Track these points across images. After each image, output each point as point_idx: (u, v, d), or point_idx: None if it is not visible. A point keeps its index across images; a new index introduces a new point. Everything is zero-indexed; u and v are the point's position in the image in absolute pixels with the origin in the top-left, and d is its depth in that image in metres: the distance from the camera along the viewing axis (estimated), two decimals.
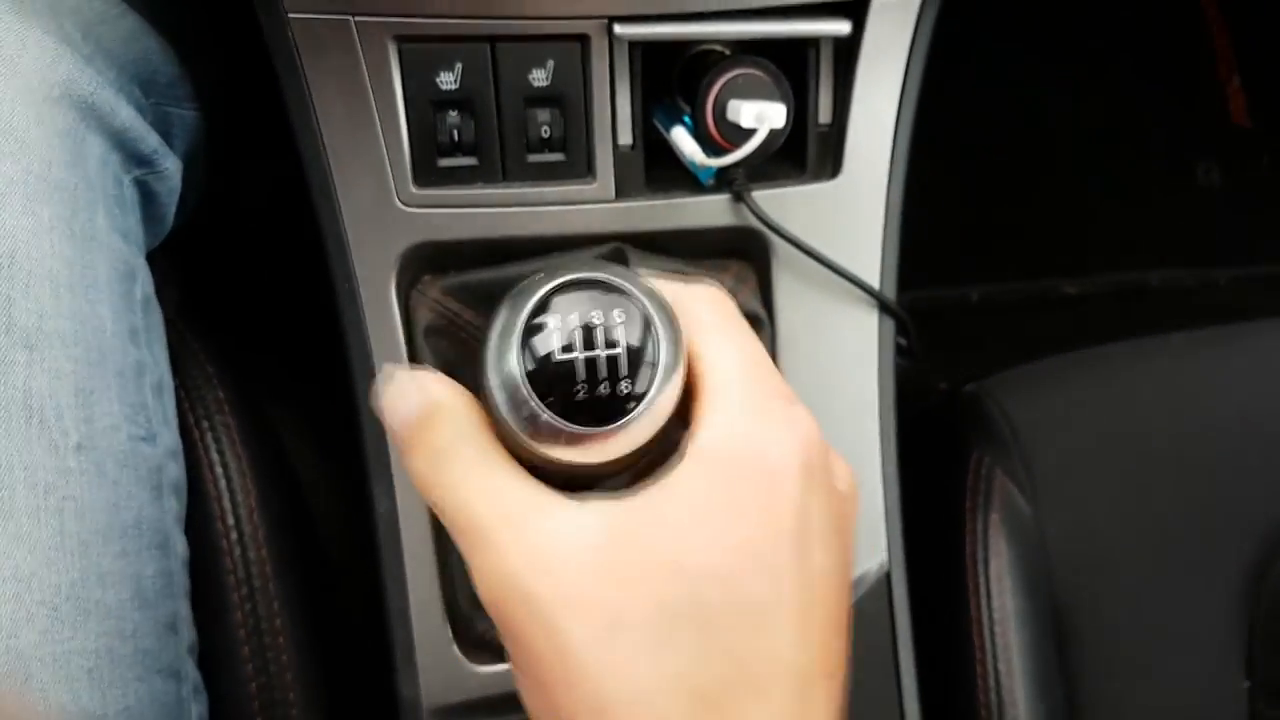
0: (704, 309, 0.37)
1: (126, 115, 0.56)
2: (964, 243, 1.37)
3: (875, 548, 0.65)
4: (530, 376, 0.37)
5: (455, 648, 0.60)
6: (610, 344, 0.37)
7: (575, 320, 0.37)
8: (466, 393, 0.38)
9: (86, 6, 0.57)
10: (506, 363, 0.37)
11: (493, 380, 0.38)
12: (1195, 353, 0.85)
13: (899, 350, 0.69)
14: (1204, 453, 0.81)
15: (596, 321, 0.37)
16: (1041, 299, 1.39)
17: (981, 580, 0.72)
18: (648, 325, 0.38)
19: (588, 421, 0.38)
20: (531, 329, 0.38)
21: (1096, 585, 0.79)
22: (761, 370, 0.36)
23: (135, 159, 0.58)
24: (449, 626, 0.59)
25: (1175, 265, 1.42)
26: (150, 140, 0.58)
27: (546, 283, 0.39)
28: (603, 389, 0.37)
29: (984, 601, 0.72)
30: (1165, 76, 1.45)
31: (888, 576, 0.65)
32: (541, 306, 0.38)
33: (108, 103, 0.55)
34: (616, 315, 0.37)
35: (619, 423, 0.38)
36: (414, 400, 0.36)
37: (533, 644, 0.31)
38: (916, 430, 0.71)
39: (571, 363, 0.37)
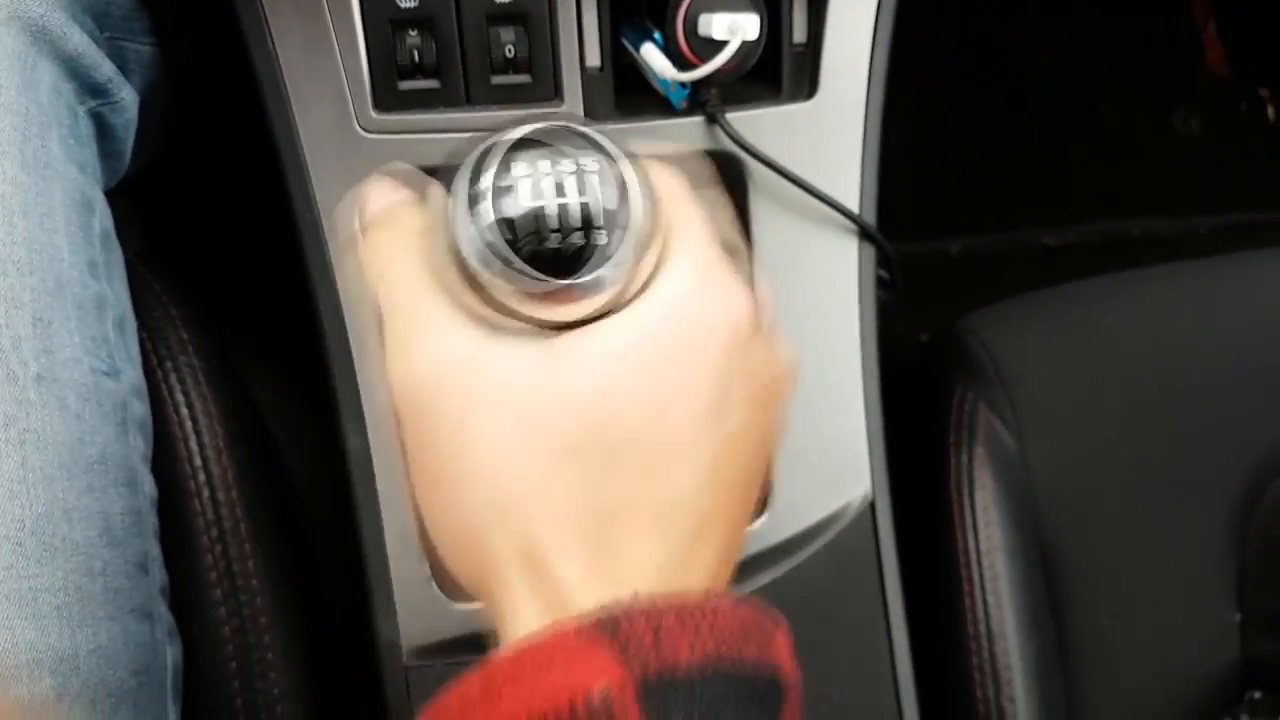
0: (671, 174, 0.38)
1: (79, 41, 0.54)
2: (942, 195, 1.36)
3: (858, 477, 0.64)
4: (502, 224, 0.35)
5: (434, 585, 0.58)
6: (584, 192, 0.35)
7: (548, 167, 0.35)
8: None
9: None
10: (479, 211, 0.35)
11: (461, 229, 0.35)
12: (1177, 284, 0.85)
13: (880, 282, 0.67)
14: (1189, 384, 0.80)
15: (570, 170, 0.35)
16: (1021, 250, 1.38)
17: (967, 513, 0.71)
18: (623, 183, 0.36)
19: (560, 273, 0.35)
20: (502, 178, 0.35)
21: (1083, 521, 0.78)
22: (713, 245, 0.37)
23: (89, 88, 0.56)
24: (426, 564, 0.58)
25: (1155, 214, 1.42)
26: (104, 69, 0.56)
27: (520, 131, 0.36)
28: (576, 238, 0.35)
29: (970, 534, 0.71)
30: (1141, 24, 1.44)
31: (871, 506, 0.64)
32: (513, 156, 0.36)
33: (59, 27, 0.53)
34: (590, 163, 0.35)
35: (590, 274, 0.35)
36: (383, 200, 0.37)
37: (439, 435, 0.32)
38: (899, 381, 0.70)
39: (543, 209, 0.34)
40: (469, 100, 0.57)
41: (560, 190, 0.35)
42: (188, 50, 0.68)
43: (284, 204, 0.57)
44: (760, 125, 0.60)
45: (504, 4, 0.55)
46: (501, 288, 0.35)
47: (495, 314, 0.36)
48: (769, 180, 0.61)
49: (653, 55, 0.56)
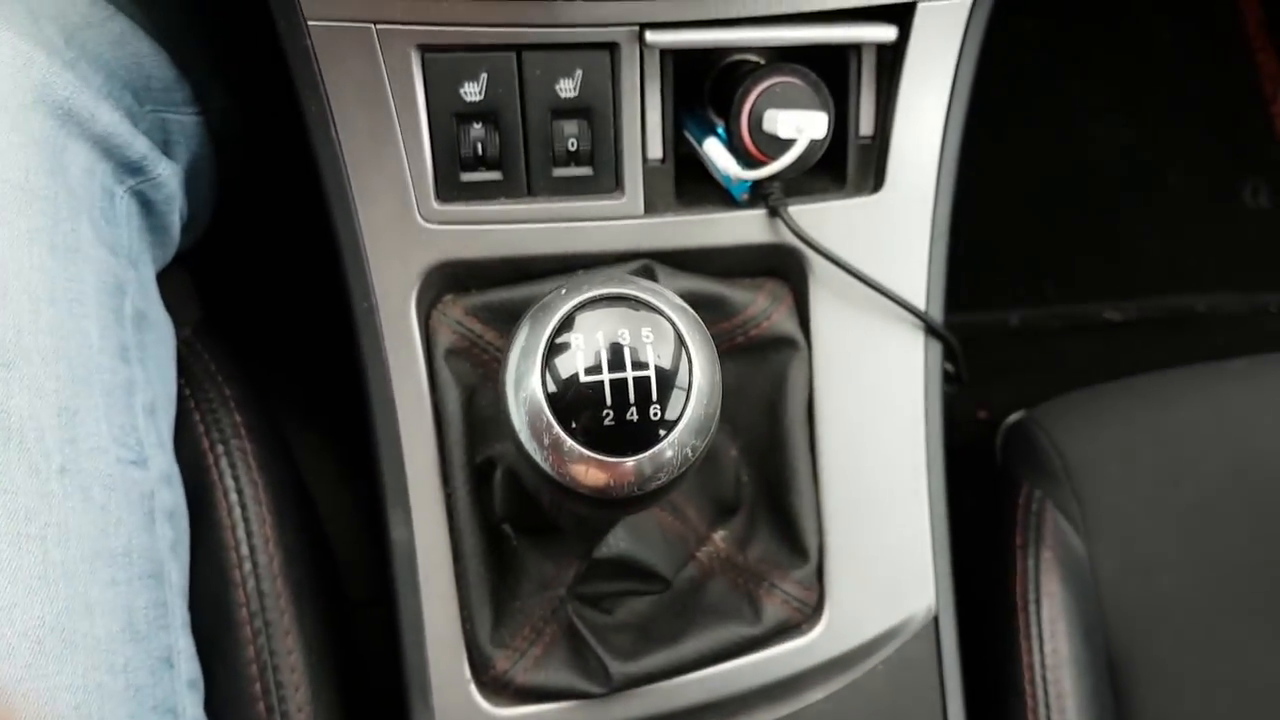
0: None
1: (109, 120, 0.53)
2: (1003, 265, 1.33)
3: (922, 587, 0.61)
4: (553, 401, 0.35)
5: (474, 688, 0.56)
6: (638, 365, 0.35)
7: (601, 340, 0.35)
8: None
9: (71, 10, 0.55)
10: (527, 386, 0.35)
11: (513, 404, 0.36)
12: (1255, 379, 0.81)
13: (945, 377, 0.65)
14: (1266, 487, 0.76)
15: (624, 341, 0.35)
16: (1083, 324, 1.34)
17: (1033, 623, 0.68)
18: (681, 344, 0.36)
19: (613, 450, 0.35)
20: (555, 348, 0.35)
21: (1155, 632, 0.74)
22: None
23: (125, 167, 0.55)
24: (468, 665, 0.56)
25: (1223, 290, 1.37)
26: (138, 145, 0.55)
27: (570, 298, 0.36)
28: (630, 415, 0.35)
29: (1036, 646, 0.67)
30: (1210, 96, 1.41)
31: (935, 621, 0.60)
32: (565, 324, 0.36)
33: (86, 108, 0.52)
34: (645, 334, 0.35)
35: (646, 452, 0.36)
36: None
37: None
38: (956, 462, 0.67)
39: (597, 385, 0.35)
40: (530, 192, 0.56)
41: (616, 363, 0.34)
42: (235, 115, 0.67)
43: (340, 291, 0.57)
44: (823, 218, 0.59)
45: (569, 98, 0.54)
46: (555, 465, 0.35)
47: (553, 491, 0.37)
48: (831, 273, 0.60)
49: (717, 151, 0.55)
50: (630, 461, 0.35)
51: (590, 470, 0.35)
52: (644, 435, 0.35)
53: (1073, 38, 1.37)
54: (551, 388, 0.35)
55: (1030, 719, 0.65)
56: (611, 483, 0.35)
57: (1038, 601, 0.69)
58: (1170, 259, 1.37)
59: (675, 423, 0.35)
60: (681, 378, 0.35)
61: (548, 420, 0.35)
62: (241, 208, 0.74)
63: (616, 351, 0.35)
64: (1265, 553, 0.75)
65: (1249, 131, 1.43)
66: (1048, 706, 0.65)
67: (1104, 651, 0.71)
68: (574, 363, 0.35)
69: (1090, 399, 0.80)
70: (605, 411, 0.34)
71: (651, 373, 0.34)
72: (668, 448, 0.35)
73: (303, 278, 0.85)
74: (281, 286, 0.91)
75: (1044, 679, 0.66)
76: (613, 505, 0.37)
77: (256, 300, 0.87)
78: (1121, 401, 0.80)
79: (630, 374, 0.34)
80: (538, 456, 0.35)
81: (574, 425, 0.35)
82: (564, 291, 0.36)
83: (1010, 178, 1.35)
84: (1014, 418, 0.90)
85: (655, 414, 0.35)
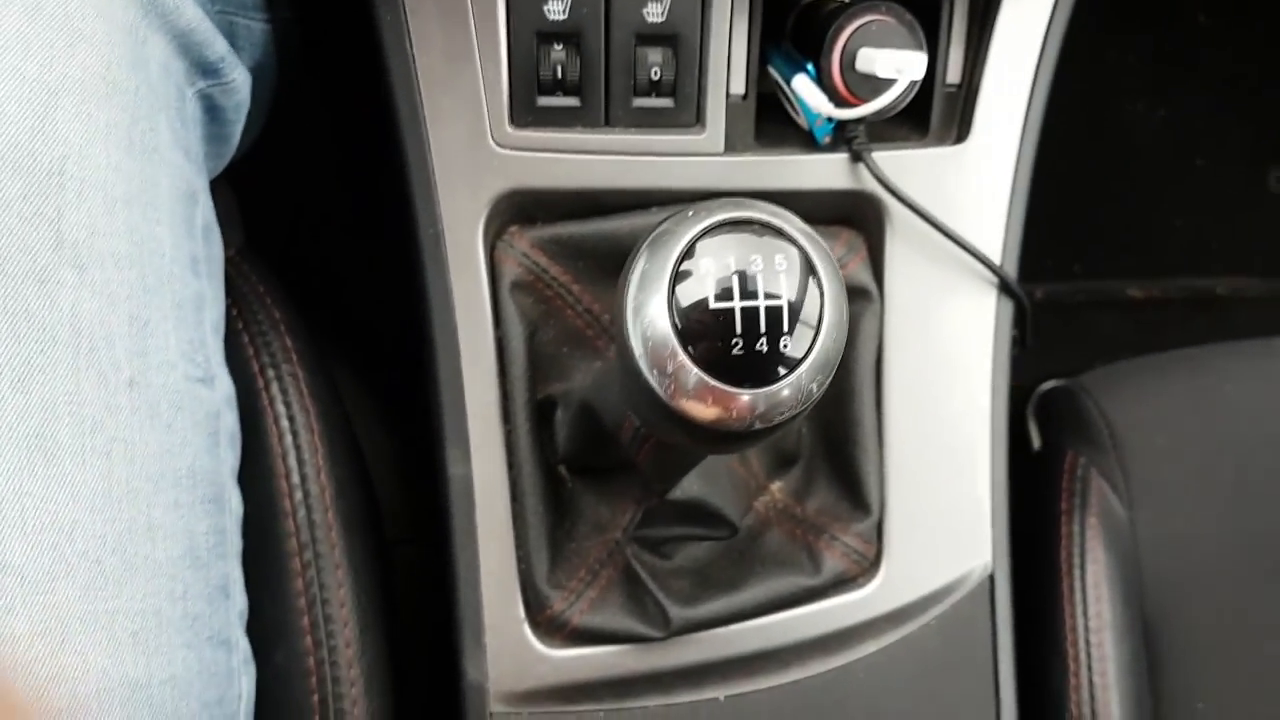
0: None
1: (193, 15, 0.49)
2: (1028, 239, 1.32)
3: (978, 546, 0.60)
4: (679, 328, 0.33)
5: (527, 628, 0.55)
6: (770, 295, 0.33)
7: (732, 264, 0.33)
8: None
9: None
10: (648, 313, 0.34)
11: (632, 332, 0.34)
12: None
13: (1012, 341, 0.64)
14: None
15: (757, 268, 0.33)
16: (1106, 299, 1.34)
17: (1078, 587, 0.67)
18: (813, 274, 0.34)
19: (738, 381, 0.34)
20: (680, 275, 0.34)
21: (1186, 600, 0.74)
22: None
23: (200, 67, 0.52)
24: (522, 605, 0.55)
25: (1243, 273, 1.37)
26: (218, 45, 0.52)
27: (698, 221, 0.35)
28: (760, 345, 0.33)
29: (1080, 609, 0.67)
30: (1242, 82, 1.40)
31: (991, 579, 0.60)
32: (690, 250, 0.34)
33: None
34: (779, 261, 0.34)
35: (774, 384, 0.34)
36: None
37: None
38: None
39: (728, 313, 0.33)
40: (608, 122, 0.54)
41: (748, 291, 0.33)
42: (295, 29, 0.64)
43: (405, 214, 0.54)
44: (904, 166, 0.57)
45: (656, 23, 0.52)
46: (675, 395, 0.34)
47: (665, 423, 0.35)
48: (909, 223, 0.58)
49: (806, 89, 0.53)
50: (750, 395, 0.34)
51: (711, 401, 0.33)
52: (769, 368, 0.34)
53: (1112, 16, 1.35)
54: (677, 315, 0.33)
55: (1073, 681, 0.65)
56: (730, 416, 0.34)
57: (1082, 566, 0.68)
58: (1194, 241, 1.36)
59: (803, 359, 0.34)
60: (811, 310, 0.34)
61: (673, 348, 0.33)
62: (282, 130, 0.71)
63: (747, 279, 0.33)
64: None
65: (1278, 119, 1.43)
66: (1090, 670, 0.65)
67: (1141, 618, 0.71)
68: (704, 288, 0.33)
69: (1138, 370, 0.79)
70: (735, 340, 0.33)
71: (784, 302, 0.33)
72: (790, 383, 0.34)
73: (338, 207, 0.82)
74: (327, 213, 0.88)
75: (1087, 642, 0.66)
76: (723, 440, 0.36)
77: (301, 226, 0.84)
78: (1169, 373, 0.79)
79: (763, 302, 0.33)
80: (656, 385, 0.34)
81: (698, 353, 0.33)
82: (690, 214, 0.35)
83: (1041, 153, 1.34)
84: (1047, 386, 0.89)
85: (785, 346, 0.33)
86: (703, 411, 0.34)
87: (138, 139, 0.45)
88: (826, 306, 0.34)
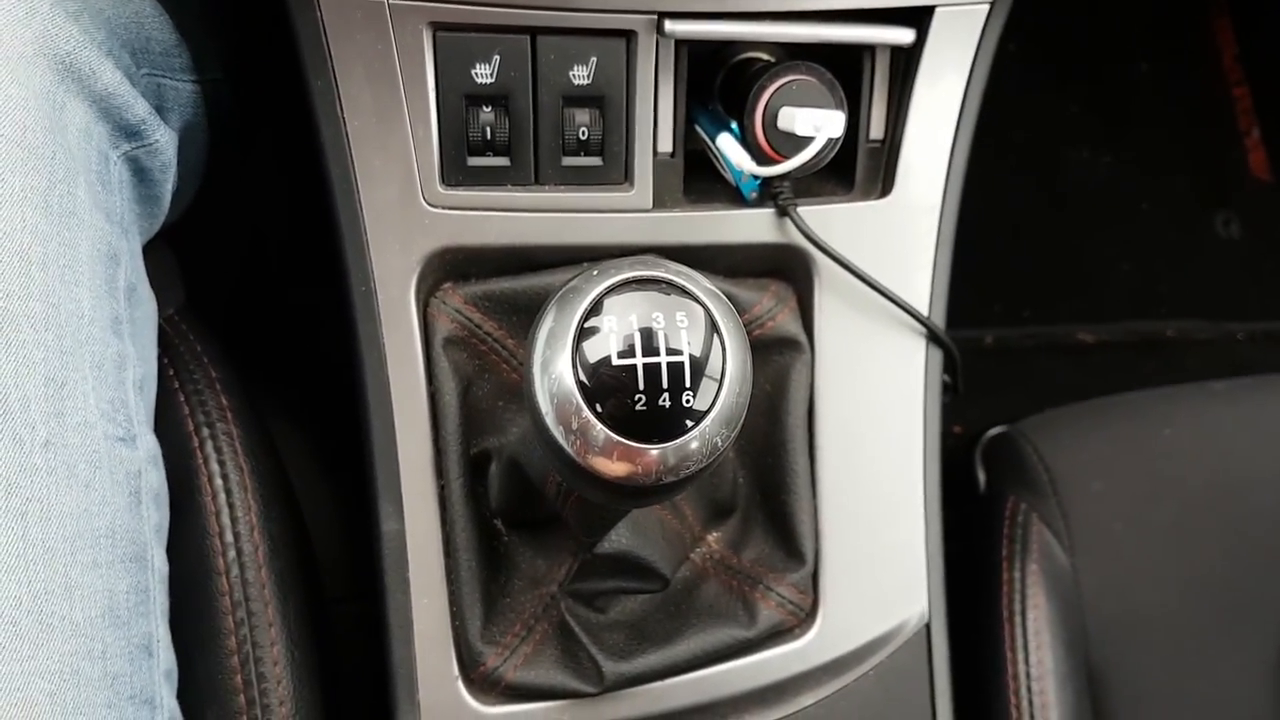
0: None
1: (110, 79, 0.50)
2: (979, 286, 1.35)
3: (914, 595, 0.61)
4: (583, 385, 0.34)
5: (461, 685, 0.55)
6: (672, 350, 0.34)
7: (634, 322, 0.34)
8: None
9: None
10: (555, 369, 0.34)
11: (539, 389, 0.35)
12: (1238, 402, 0.82)
13: (943, 387, 0.65)
14: (1245, 506, 0.77)
15: (659, 325, 0.34)
16: (1056, 344, 1.36)
17: (1019, 634, 0.68)
18: (714, 331, 0.35)
19: (642, 437, 0.34)
20: (585, 332, 0.34)
21: (1131, 644, 0.75)
22: None
23: (123, 130, 0.52)
24: (456, 662, 0.55)
25: (1191, 316, 1.40)
26: (138, 109, 0.53)
27: (602, 280, 0.35)
28: (663, 401, 0.34)
29: (1022, 657, 0.67)
30: (1186, 127, 1.44)
31: (927, 628, 0.60)
32: (596, 306, 0.35)
33: (89, 64, 0.49)
34: (680, 318, 0.34)
35: (680, 438, 0.35)
36: None
37: None
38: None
39: (630, 370, 0.34)
40: (538, 180, 0.55)
41: (650, 347, 0.34)
42: (226, 89, 0.65)
43: (338, 272, 0.55)
44: (829, 221, 0.59)
45: (583, 85, 0.53)
46: (581, 451, 0.34)
47: (574, 479, 0.36)
48: (836, 275, 0.59)
49: (731, 147, 0.55)
50: (657, 450, 0.34)
51: (617, 457, 0.34)
52: (674, 423, 0.34)
53: (1054, 65, 1.40)
54: (582, 371, 0.34)
55: None
56: (638, 471, 0.34)
57: (1024, 613, 0.69)
58: (1143, 285, 1.39)
59: (706, 412, 0.34)
60: (714, 365, 0.34)
61: (577, 404, 0.34)
62: (221, 189, 0.72)
63: (650, 335, 0.34)
64: (1238, 572, 0.76)
65: (1223, 163, 1.47)
66: (1032, 717, 0.65)
67: (1084, 663, 0.71)
68: (606, 345, 0.34)
69: (1076, 415, 0.81)
70: (637, 396, 0.33)
71: (685, 357, 0.34)
72: (696, 437, 0.34)
73: (281, 264, 0.83)
74: (264, 272, 0.89)
75: (1029, 689, 0.66)
76: (634, 495, 0.36)
77: (240, 285, 0.85)
78: (1107, 418, 0.81)
79: (664, 359, 0.33)
80: (564, 442, 0.34)
81: (604, 410, 0.34)
82: (595, 274, 0.35)
83: (989, 200, 1.37)
84: (994, 431, 0.90)
85: (688, 401, 0.34)
86: (610, 467, 0.34)
87: (55, 202, 0.46)
88: (729, 361, 0.35)
